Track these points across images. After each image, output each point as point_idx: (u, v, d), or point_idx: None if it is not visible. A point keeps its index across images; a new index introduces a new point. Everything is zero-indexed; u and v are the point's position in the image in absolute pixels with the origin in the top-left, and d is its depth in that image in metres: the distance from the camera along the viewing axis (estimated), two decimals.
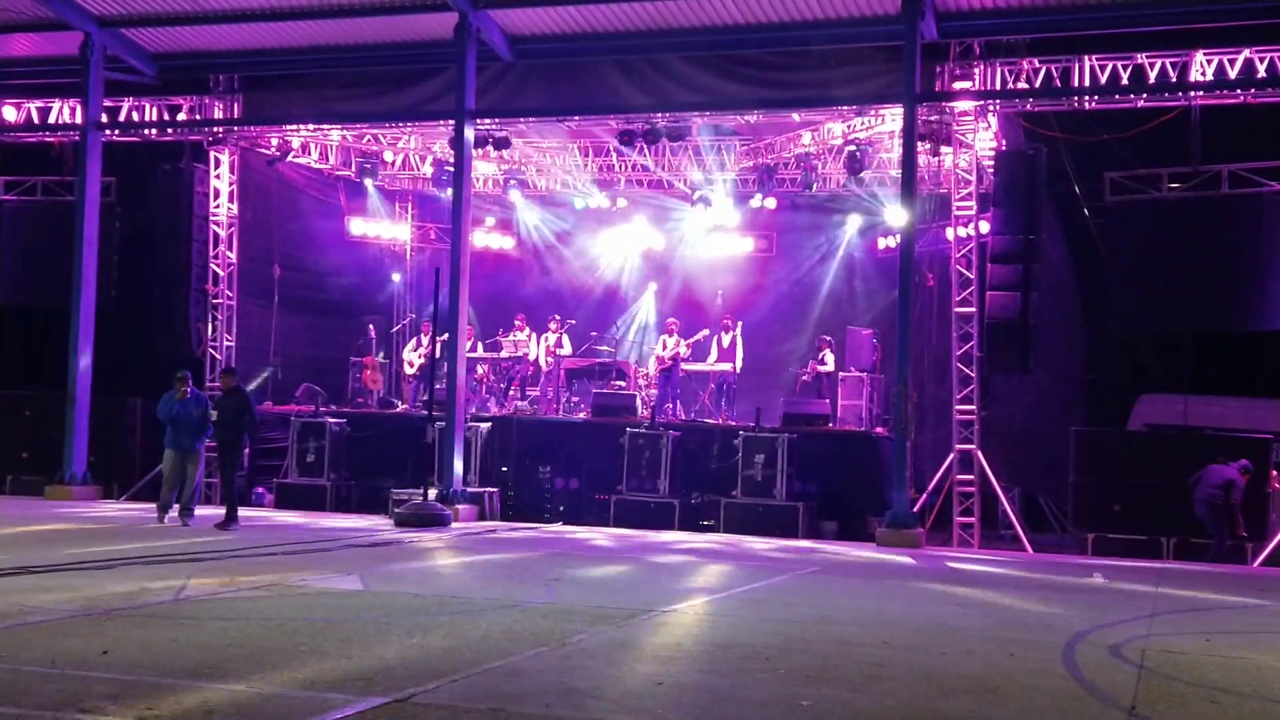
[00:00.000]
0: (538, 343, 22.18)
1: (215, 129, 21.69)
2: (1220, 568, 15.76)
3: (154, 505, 16.07)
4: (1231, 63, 17.07)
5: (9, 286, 22.74)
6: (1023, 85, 18.03)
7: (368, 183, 24.06)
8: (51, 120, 22.12)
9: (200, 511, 16.13)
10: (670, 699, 6.15)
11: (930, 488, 18.58)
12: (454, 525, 16.89)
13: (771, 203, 23.00)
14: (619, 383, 21.43)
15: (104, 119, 20.89)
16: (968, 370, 18.49)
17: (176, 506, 15.62)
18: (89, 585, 9.47)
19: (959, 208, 19.01)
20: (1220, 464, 16.91)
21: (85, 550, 11.75)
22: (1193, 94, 17.43)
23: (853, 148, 20.25)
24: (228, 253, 21.99)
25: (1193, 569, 15.22)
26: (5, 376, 22.59)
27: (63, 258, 20.45)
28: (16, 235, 22.80)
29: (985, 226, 18.55)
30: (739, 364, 21.27)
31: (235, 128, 21.70)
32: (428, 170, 24.29)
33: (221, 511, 15.52)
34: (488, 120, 20.09)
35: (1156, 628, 9.37)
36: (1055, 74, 17.80)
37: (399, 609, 8.91)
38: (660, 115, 19.86)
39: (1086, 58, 17.55)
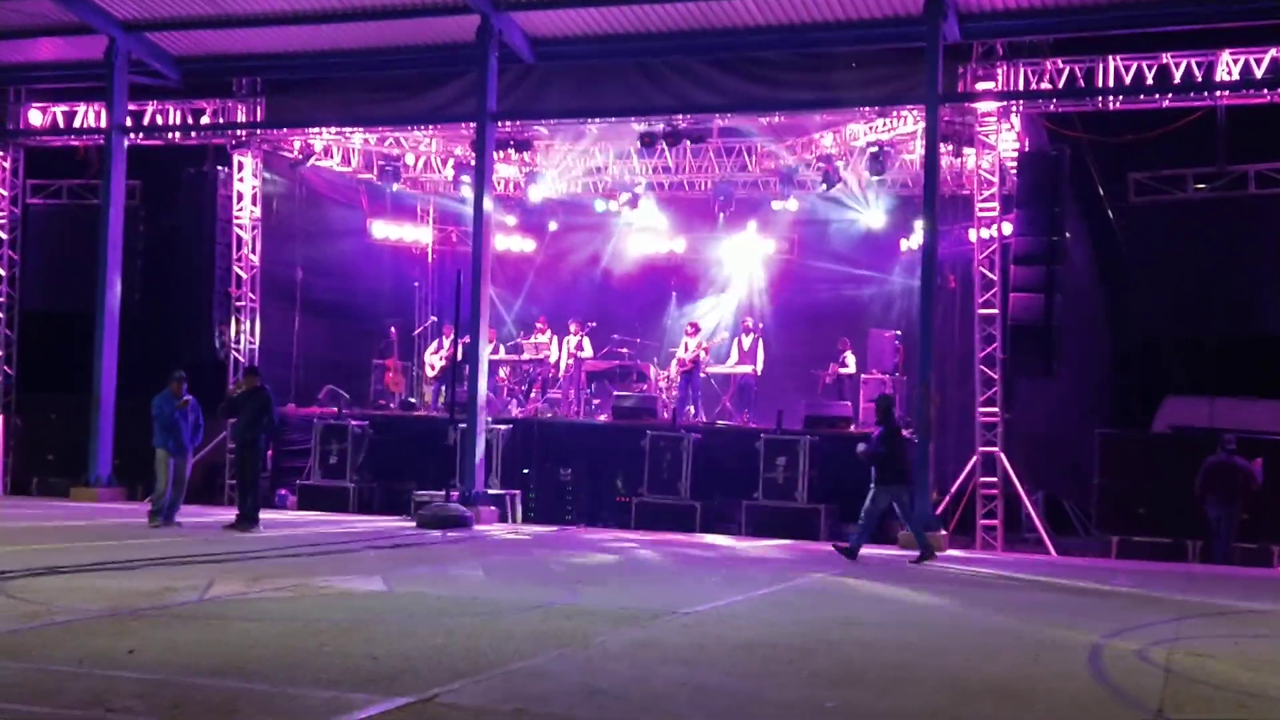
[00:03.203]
0: (559, 345, 22.19)
1: (238, 132, 21.78)
2: (1246, 571, 15.65)
3: None
4: (1258, 62, 16.94)
5: (35, 290, 22.87)
6: (1046, 86, 17.93)
7: (390, 186, 24.10)
8: (76, 124, 22.25)
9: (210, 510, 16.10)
10: (694, 701, 6.14)
11: (953, 490, 18.50)
12: (476, 527, 16.92)
13: (793, 204, 22.95)
14: (640, 385, 21.41)
15: (128, 122, 21.01)
16: (990, 372, 18.41)
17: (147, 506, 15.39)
18: (115, 586, 9.53)
19: (982, 209, 18.92)
20: (1216, 458, 16.73)
21: (110, 551, 11.82)
22: (1218, 94, 17.30)
23: (875, 149, 20.19)
24: (250, 255, 22.08)
25: (1219, 572, 15.12)
26: (32, 380, 22.74)
27: (88, 261, 20.57)
28: (43, 239, 22.94)
29: (1008, 228, 18.47)
30: (760, 366, 21.23)
31: (258, 131, 21.78)
32: (449, 173, 24.32)
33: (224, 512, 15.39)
34: (509, 122, 20.12)
35: (1183, 631, 9.31)
36: (1079, 74, 17.70)
37: (422, 610, 8.93)
38: (681, 117, 19.84)
39: (1111, 58, 17.44)
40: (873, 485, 14.45)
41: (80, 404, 20.48)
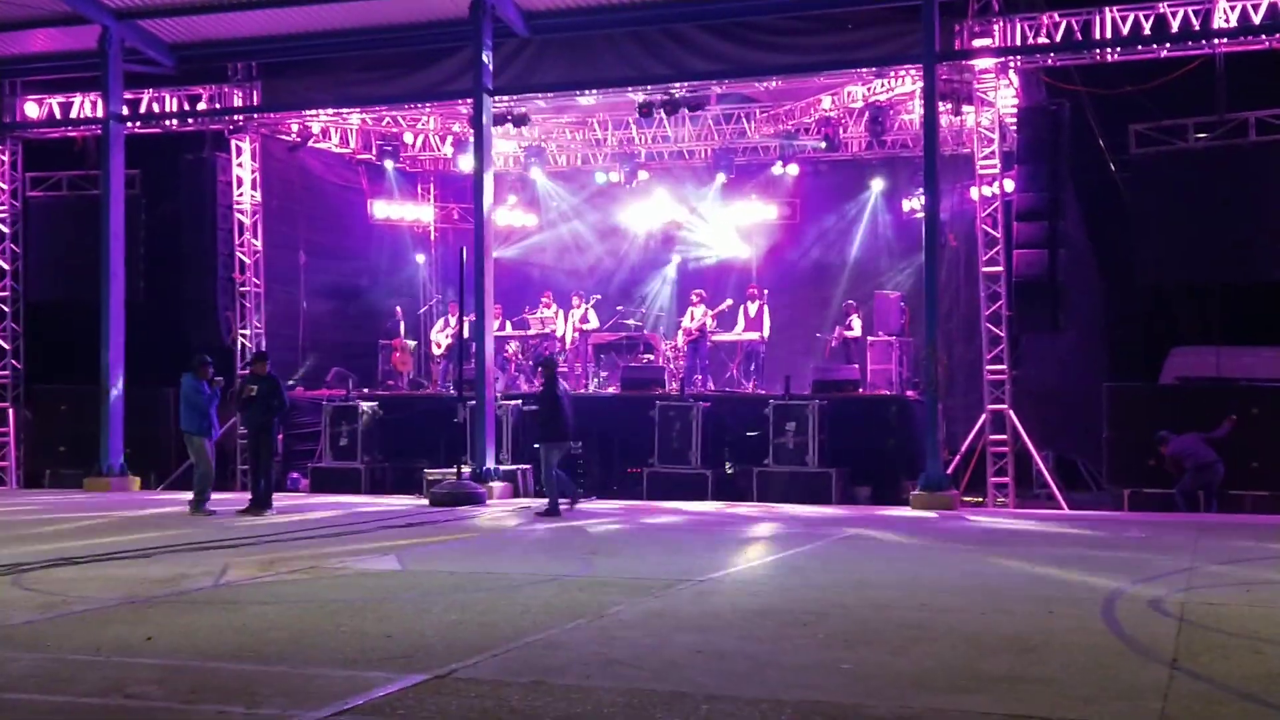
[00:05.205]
0: (564, 319, 22.19)
1: (235, 117, 21.73)
2: (1258, 519, 15.64)
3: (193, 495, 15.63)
4: (1255, 8, 16.78)
5: (41, 283, 22.85)
6: (1043, 40, 17.80)
7: (389, 165, 24.05)
8: (73, 115, 22.18)
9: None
10: (710, 667, 6.17)
11: (963, 449, 18.49)
12: (489, 503, 16.97)
13: (794, 169, 22.87)
14: (647, 356, 21.39)
15: (125, 111, 20.98)
16: (997, 330, 18.37)
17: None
18: (130, 574, 9.58)
19: (983, 167, 18.83)
20: (1169, 449, 17.01)
21: (124, 540, 11.88)
22: (1216, 41, 17.14)
23: (874, 110, 20.08)
24: (253, 240, 22.06)
25: (1231, 520, 15.13)
26: (41, 372, 22.79)
27: (91, 252, 20.61)
28: (45, 231, 22.93)
29: (1010, 185, 18.39)
30: (766, 333, 21.20)
31: (255, 115, 21.72)
32: (448, 150, 24.27)
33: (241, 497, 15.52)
34: (506, 97, 20.05)
35: (1196, 580, 9.33)
36: (1076, 27, 17.56)
37: (436, 587, 8.97)
38: (678, 85, 19.73)
39: (1107, 9, 17.28)
40: (538, 445, 15.68)
41: (90, 394, 20.56)
